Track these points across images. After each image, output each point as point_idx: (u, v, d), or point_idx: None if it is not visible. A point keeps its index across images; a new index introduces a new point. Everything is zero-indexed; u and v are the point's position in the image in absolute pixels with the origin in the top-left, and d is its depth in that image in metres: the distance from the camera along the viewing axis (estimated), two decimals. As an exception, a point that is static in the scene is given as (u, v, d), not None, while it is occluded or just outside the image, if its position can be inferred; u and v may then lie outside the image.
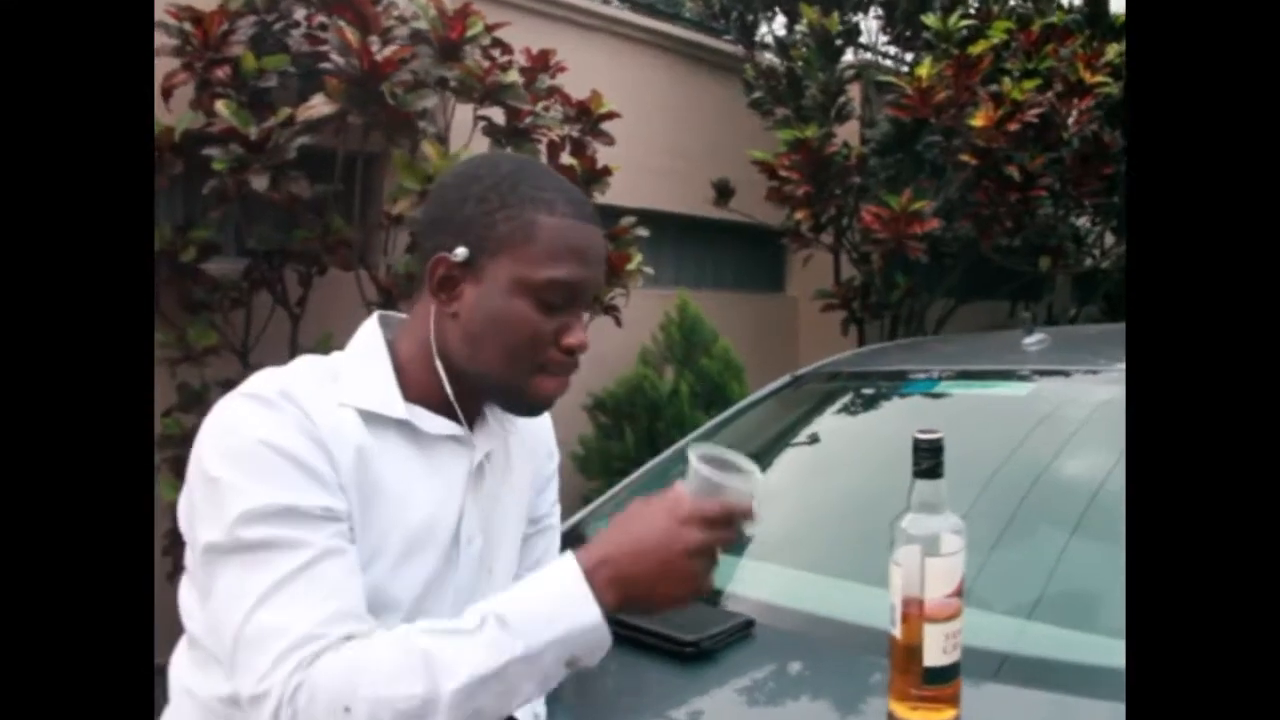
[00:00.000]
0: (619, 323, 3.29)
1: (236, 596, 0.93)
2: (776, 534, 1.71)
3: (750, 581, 1.60)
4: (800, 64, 4.44)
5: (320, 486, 0.97)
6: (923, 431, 1.01)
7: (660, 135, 5.00)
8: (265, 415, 0.98)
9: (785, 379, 2.52)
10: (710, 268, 5.76)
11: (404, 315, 1.16)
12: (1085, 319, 6.00)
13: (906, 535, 1.02)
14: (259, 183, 2.64)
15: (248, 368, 3.22)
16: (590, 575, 0.94)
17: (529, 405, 1.10)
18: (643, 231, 3.34)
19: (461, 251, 1.04)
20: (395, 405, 1.06)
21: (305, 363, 1.10)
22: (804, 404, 2.31)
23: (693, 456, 0.98)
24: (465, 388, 1.08)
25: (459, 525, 1.10)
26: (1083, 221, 5.29)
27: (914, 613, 1.00)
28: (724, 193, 5.00)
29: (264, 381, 1.03)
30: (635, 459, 4.29)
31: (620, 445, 4.32)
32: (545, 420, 1.27)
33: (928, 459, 1.00)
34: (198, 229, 3.00)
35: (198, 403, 3.10)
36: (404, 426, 1.07)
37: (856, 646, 1.30)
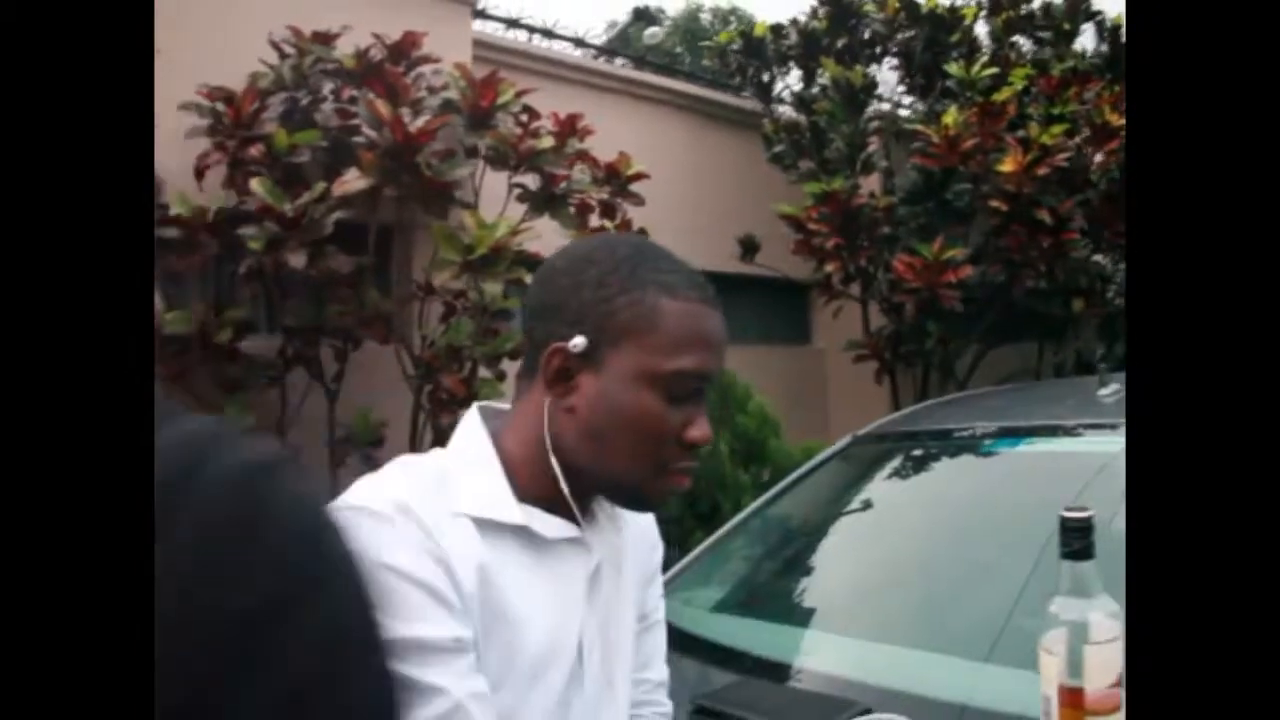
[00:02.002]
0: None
1: None
2: (874, 608, 1.62)
3: (858, 662, 1.51)
4: (824, 117, 4.43)
5: (448, 613, 0.89)
6: (1070, 510, 0.93)
7: (682, 194, 4.99)
8: (381, 534, 0.89)
9: (846, 440, 2.44)
10: (736, 322, 5.61)
11: (504, 406, 1.08)
12: (1114, 360, 5.93)
13: (1057, 620, 0.93)
14: (296, 259, 2.61)
15: (285, 447, 3.15)
16: None
17: (648, 504, 1.02)
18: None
19: (579, 341, 0.96)
20: (511, 509, 0.97)
21: (406, 467, 1.00)
22: (872, 466, 2.23)
23: None
24: (581, 486, 1.00)
25: (580, 640, 1.01)
26: (1104, 260, 5.24)
27: (1072, 704, 0.92)
28: (750, 248, 4.97)
29: (372, 492, 0.93)
30: (678, 520, 4.20)
31: (661, 507, 4.23)
32: (649, 515, 1.19)
33: (1077, 539, 0.93)
34: (232, 308, 2.97)
35: (235, 485, 3.04)
36: (521, 532, 0.98)
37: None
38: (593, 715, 1.01)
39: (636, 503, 1.02)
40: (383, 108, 2.64)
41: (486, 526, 0.95)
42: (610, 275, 0.98)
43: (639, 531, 1.15)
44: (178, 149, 2.92)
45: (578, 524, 1.01)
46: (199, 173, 2.87)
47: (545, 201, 2.93)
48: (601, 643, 1.04)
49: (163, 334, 2.94)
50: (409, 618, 0.86)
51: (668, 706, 1.22)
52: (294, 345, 3.11)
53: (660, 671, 1.22)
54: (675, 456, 0.97)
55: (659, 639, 1.20)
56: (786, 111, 5.22)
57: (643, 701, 1.19)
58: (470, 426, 1.02)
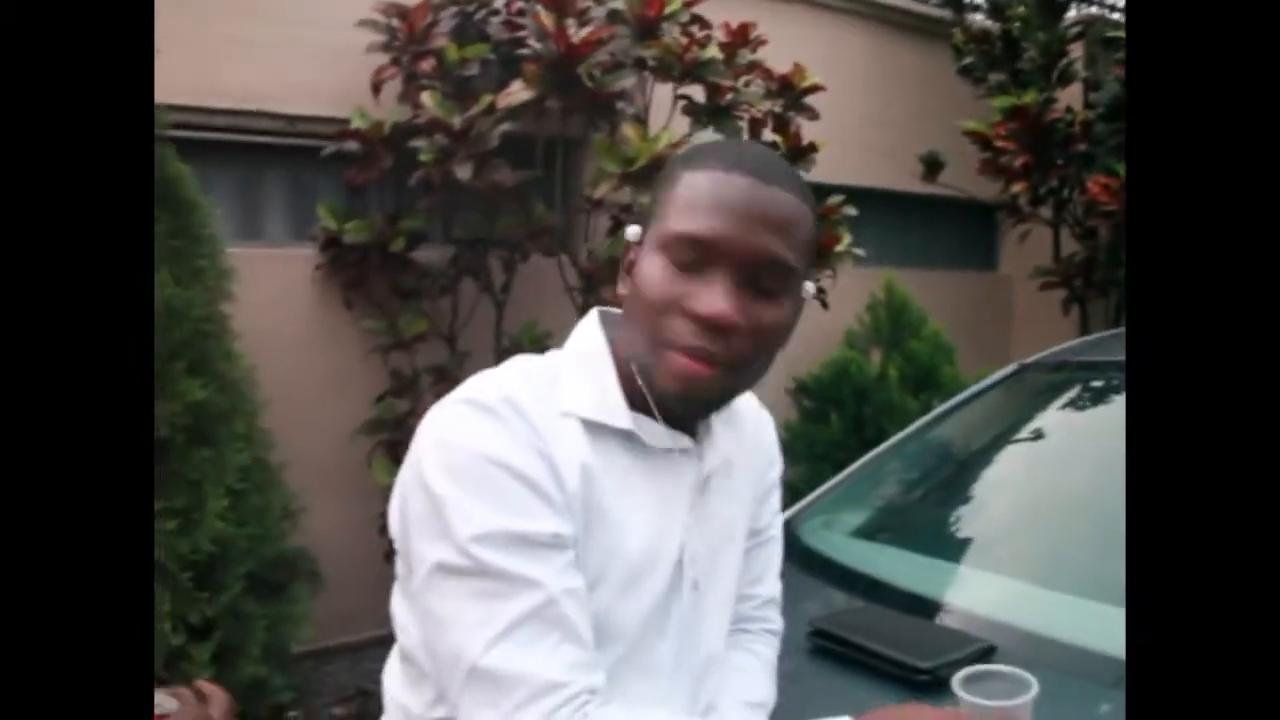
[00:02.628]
0: (825, 305, 3.14)
1: (470, 627, 0.86)
2: (1011, 542, 1.55)
3: (986, 598, 1.45)
4: (1017, 25, 4.12)
5: (550, 509, 0.89)
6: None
7: (862, 108, 4.78)
8: (490, 427, 0.89)
9: (1011, 368, 2.31)
10: (916, 245, 5.49)
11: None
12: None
13: None
14: (463, 172, 2.67)
15: (454, 354, 3.29)
16: None
17: (656, 387, 0.93)
18: (851, 210, 3.18)
19: (634, 230, 0.97)
20: (619, 414, 0.96)
21: (522, 365, 1.00)
22: (1042, 395, 2.11)
23: (959, 690, 0.88)
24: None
25: (682, 549, 1.00)
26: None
27: None
28: (933, 166, 4.73)
29: (485, 387, 0.93)
30: (841, 444, 4.13)
31: (825, 430, 4.17)
32: (768, 424, 1.16)
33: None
34: (406, 219, 3.08)
35: (409, 389, 3.20)
36: (628, 437, 0.97)
37: (1110, 680, 1.14)
38: (691, 625, 1.00)
39: (650, 387, 0.94)
40: (546, 18, 2.64)
41: (593, 428, 0.95)
42: (672, 165, 0.96)
43: (755, 445, 1.13)
44: (356, 64, 3.03)
45: (689, 433, 1.00)
46: (375, 88, 2.96)
47: (710, 114, 2.87)
48: (707, 554, 1.03)
49: (343, 242, 3.11)
50: (509, 510, 0.87)
51: (778, 624, 1.21)
52: (464, 256, 3.21)
53: (772, 587, 1.20)
54: (680, 333, 0.90)
55: (773, 554, 1.18)
56: (979, 19, 4.89)
57: (752, 617, 1.18)
58: (587, 328, 1.02)
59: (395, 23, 2.89)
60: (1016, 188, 4.25)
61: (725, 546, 1.06)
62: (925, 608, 1.54)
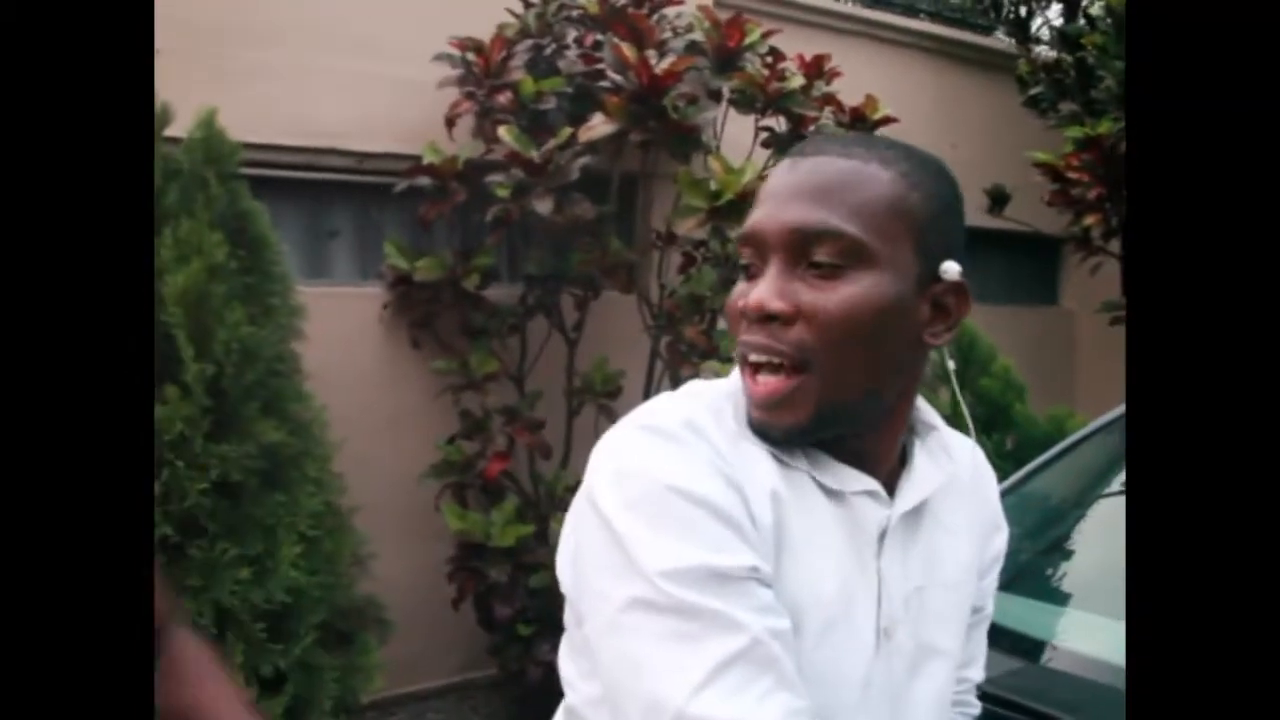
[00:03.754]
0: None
1: (668, 672, 0.75)
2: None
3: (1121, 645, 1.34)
4: (1093, 52, 4.02)
5: (741, 540, 0.79)
6: None
7: (925, 142, 4.64)
8: (670, 453, 0.80)
9: (1117, 412, 2.19)
10: (978, 279, 5.32)
11: None
12: None
13: None
14: (543, 206, 2.60)
15: (523, 395, 3.21)
16: None
17: (753, 426, 0.85)
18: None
19: None
20: (794, 453, 0.86)
21: (702, 387, 0.91)
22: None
23: None
24: None
25: (878, 598, 0.89)
26: None
27: None
28: (999, 199, 4.63)
29: (661, 411, 0.85)
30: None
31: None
32: (990, 481, 1.03)
33: None
34: (479, 256, 3.01)
35: (479, 430, 3.11)
36: (805, 478, 0.86)
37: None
38: (891, 681, 0.89)
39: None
40: (628, 51, 2.58)
41: (781, 456, 0.85)
42: None
43: (980, 505, 1.00)
44: (429, 100, 2.98)
45: (875, 471, 0.87)
46: (449, 122, 2.92)
47: (792, 145, 2.78)
48: (913, 613, 0.91)
49: (412, 280, 3.04)
50: (700, 543, 0.77)
51: (977, 709, 1.09)
52: (535, 293, 3.13)
53: (980, 672, 1.07)
54: (743, 341, 0.85)
55: (983, 636, 1.06)
56: (1044, 51, 4.80)
57: (955, 702, 1.06)
58: None
59: (471, 57, 2.84)
60: (1089, 220, 4.13)
61: (938, 595, 0.94)
62: (1052, 655, 1.43)
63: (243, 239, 2.57)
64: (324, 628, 2.50)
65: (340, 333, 3.06)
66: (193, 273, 2.36)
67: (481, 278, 3.01)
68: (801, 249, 0.82)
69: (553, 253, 3.03)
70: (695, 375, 3.08)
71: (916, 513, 0.92)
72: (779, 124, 2.86)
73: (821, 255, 0.81)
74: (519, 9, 3.07)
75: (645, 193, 3.16)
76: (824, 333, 0.81)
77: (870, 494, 0.88)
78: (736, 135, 3.06)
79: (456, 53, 2.87)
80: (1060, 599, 1.91)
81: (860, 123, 3.27)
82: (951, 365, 0.94)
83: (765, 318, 0.81)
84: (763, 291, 0.81)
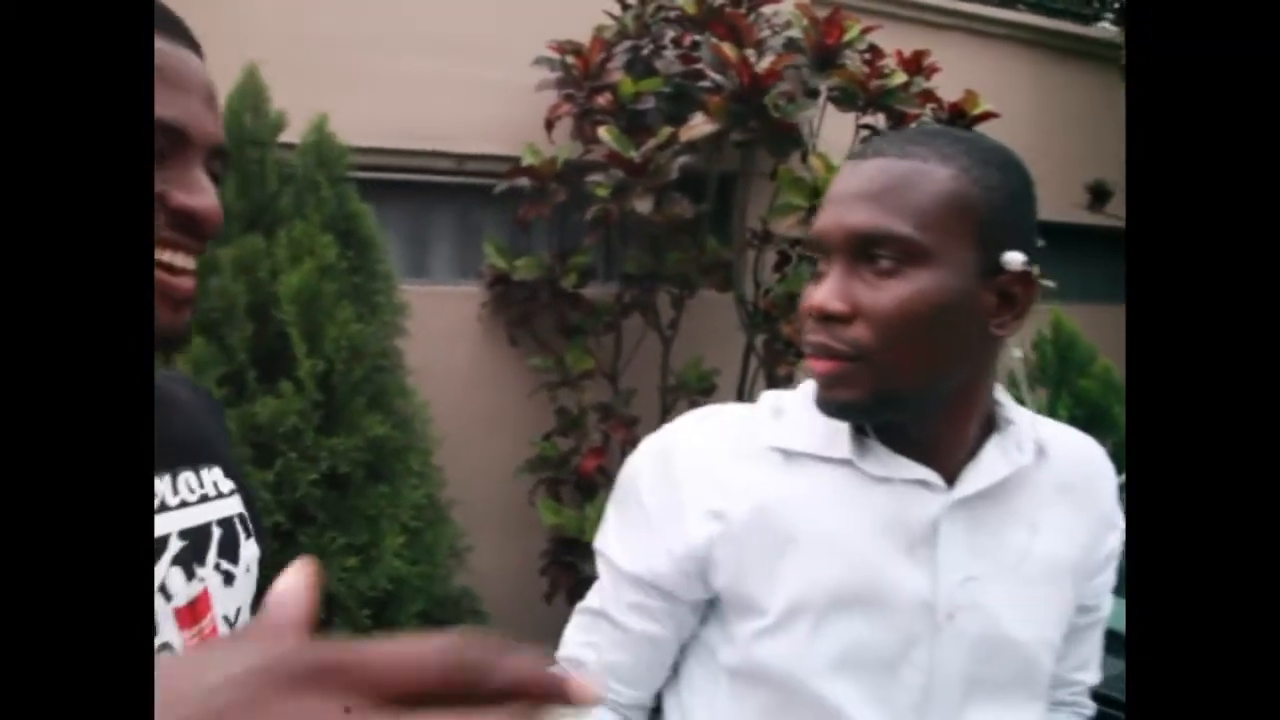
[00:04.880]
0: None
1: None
2: None
3: None
4: (1204, 44, 3.89)
5: (651, 550, 0.98)
6: None
7: (1026, 137, 4.55)
8: (646, 463, 1.00)
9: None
10: (1079, 279, 5.22)
11: None
12: None
13: None
14: (642, 205, 2.63)
15: (618, 392, 3.24)
16: None
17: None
18: (1039, 241, 3.01)
19: None
20: (834, 444, 0.92)
21: (714, 410, 1.04)
22: None
23: None
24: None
25: (933, 589, 0.91)
26: None
27: None
28: (1100, 195, 4.51)
29: (683, 421, 1.02)
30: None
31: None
32: (1107, 477, 1.02)
33: None
34: (576, 255, 3.05)
35: (575, 427, 3.16)
36: (846, 468, 0.92)
37: None
38: (948, 663, 0.91)
39: None
40: (728, 50, 2.58)
41: (799, 459, 0.94)
42: None
43: (1087, 504, 1.00)
44: (529, 102, 3.03)
45: (927, 463, 0.91)
46: (549, 124, 2.96)
47: (892, 144, 2.76)
48: (978, 600, 0.92)
49: (510, 280, 3.10)
50: (627, 546, 0.99)
51: (1090, 710, 1.08)
52: (632, 292, 3.16)
53: (1094, 675, 1.08)
54: (809, 338, 0.90)
55: (1098, 637, 1.05)
56: (1151, 41, 4.65)
57: (1065, 703, 1.06)
58: None
59: (570, 59, 2.88)
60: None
61: (1014, 586, 0.94)
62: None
63: (351, 239, 2.65)
64: (423, 617, 2.56)
65: (441, 330, 3.14)
66: (305, 273, 2.45)
67: (579, 277, 3.05)
68: (861, 250, 0.85)
69: (650, 252, 3.05)
70: (791, 373, 3.08)
71: (984, 503, 0.93)
72: (880, 122, 2.83)
73: (883, 256, 0.84)
74: (617, 11, 3.10)
75: (743, 192, 3.16)
76: (880, 330, 0.84)
77: (923, 483, 0.91)
78: (834, 133, 3.04)
79: (555, 56, 2.91)
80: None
81: (960, 118, 3.21)
82: (1017, 354, 0.97)
83: (826, 318, 0.86)
84: (824, 293, 0.86)
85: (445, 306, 3.22)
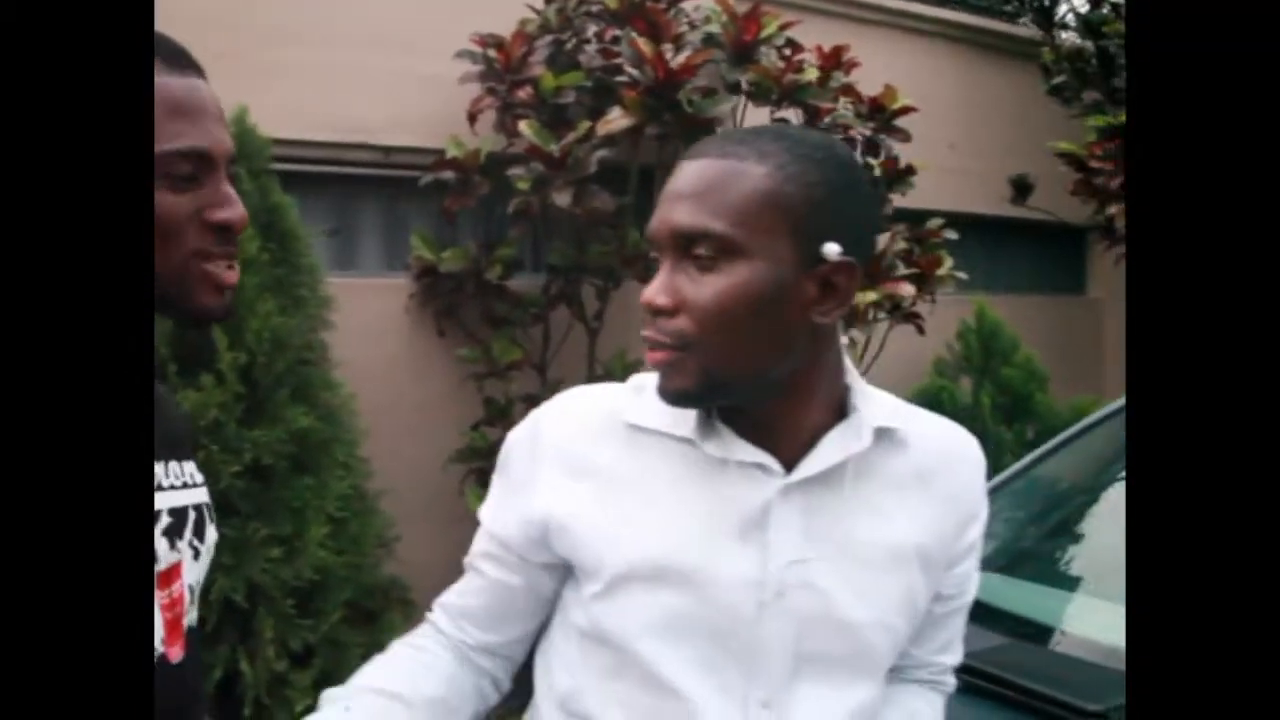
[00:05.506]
0: (922, 330, 3.08)
1: None
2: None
3: (1115, 628, 1.38)
4: (1115, 41, 4.02)
5: (508, 508, 1.06)
6: None
7: (950, 132, 4.70)
8: (519, 435, 1.08)
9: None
10: (1004, 270, 5.36)
11: None
12: None
13: None
14: (561, 199, 2.67)
15: (547, 382, 3.28)
16: None
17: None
18: (952, 234, 3.12)
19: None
20: (679, 423, 0.97)
21: (632, 378, 1.07)
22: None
23: None
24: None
25: (763, 569, 0.97)
26: None
27: None
28: (1023, 189, 4.63)
29: (559, 398, 1.09)
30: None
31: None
32: (971, 468, 1.07)
33: None
34: (502, 247, 3.09)
35: (502, 417, 3.19)
36: (687, 447, 0.98)
37: None
38: (767, 638, 0.98)
39: None
40: (645, 45, 2.64)
41: (647, 435, 0.99)
42: None
43: (945, 494, 1.04)
44: (452, 95, 3.06)
45: (767, 448, 0.97)
46: (471, 117, 2.99)
47: (807, 137, 2.83)
48: (810, 581, 0.98)
49: (438, 271, 3.12)
50: (492, 501, 1.08)
51: (951, 686, 1.15)
52: (557, 284, 3.20)
53: (955, 657, 1.13)
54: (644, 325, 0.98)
55: (960, 623, 1.11)
56: (1070, 38, 4.79)
57: (933, 681, 1.13)
58: None
59: (492, 53, 2.91)
60: (1113, 209, 4.13)
61: (852, 570, 0.99)
62: (1058, 640, 1.46)
63: (273, 232, 2.66)
64: (351, 606, 2.59)
65: (368, 322, 3.15)
66: (225, 265, 2.45)
67: (504, 268, 3.08)
68: (684, 247, 0.90)
69: (574, 244, 3.09)
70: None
71: (821, 488, 0.98)
72: (795, 116, 2.90)
73: (703, 252, 0.89)
74: (540, 4, 3.13)
75: (662, 184, 3.22)
76: (701, 321, 0.90)
77: (760, 466, 0.96)
78: (757, 123, 3.11)
79: (478, 49, 2.94)
80: (1062, 583, 1.95)
81: (879, 113, 3.30)
82: (845, 341, 1.02)
83: (655, 311, 0.91)
84: (652, 289, 0.92)
85: (373, 298, 3.24)
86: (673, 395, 0.93)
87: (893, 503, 1.01)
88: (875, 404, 1.01)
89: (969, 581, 1.10)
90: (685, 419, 0.97)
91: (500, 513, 1.05)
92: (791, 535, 0.97)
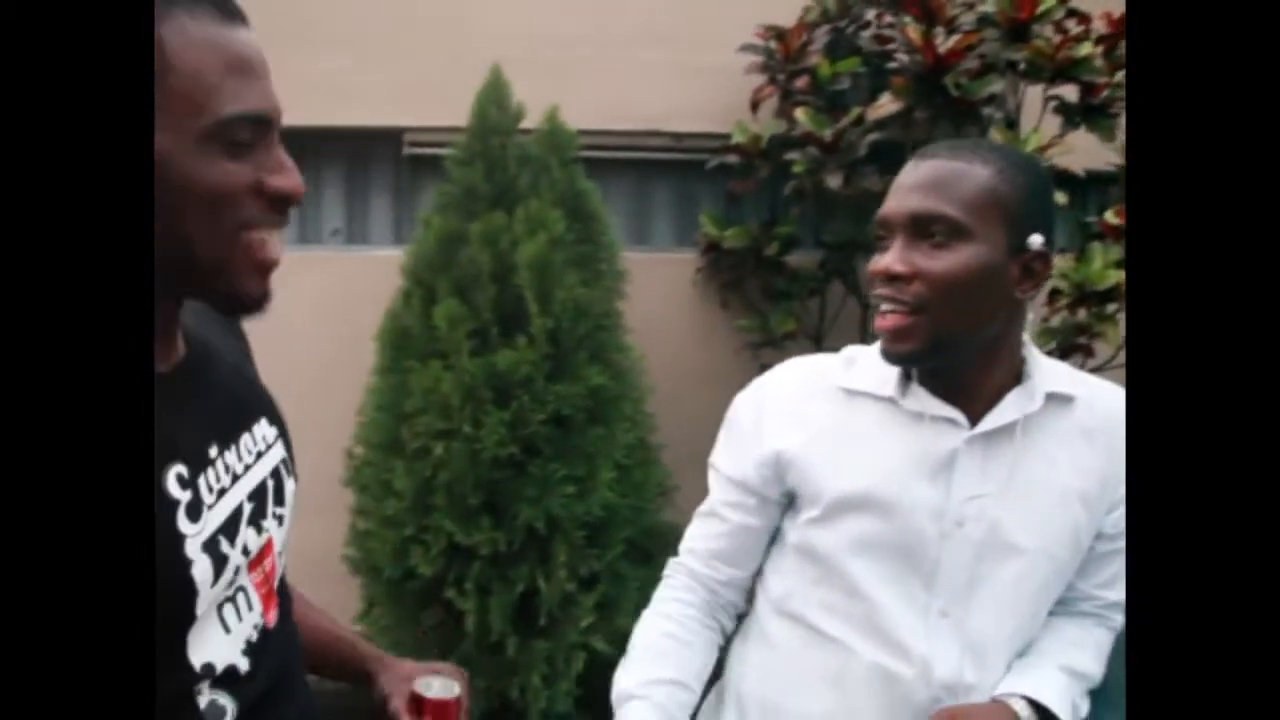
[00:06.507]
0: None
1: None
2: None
3: None
4: None
5: (743, 458, 1.32)
6: None
7: None
8: (746, 398, 1.36)
9: None
10: None
11: None
12: None
13: None
14: (833, 181, 2.84)
15: (821, 351, 3.47)
16: None
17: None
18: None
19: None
20: (884, 385, 1.21)
21: (844, 351, 1.32)
22: None
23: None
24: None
25: (946, 502, 1.18)
26: None
27: None
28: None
29: (780, 367, 1.35)
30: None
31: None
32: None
33: None
34: (780, 225, 3.31)
35: (777, 383, 3.43)
36: (890, 405, 1.21)
37: None
38: (957, 564, 1.18)
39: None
40: (913, 31, 2.74)
41: (855, 397, 1.24)
42: None
43: (1108, 450, 1.22)
44: (738, 85, 3.31)
45: (958, 405, 1.19)
46: (754, 105, 3.22)
47: (1083, 113, 2.81)
48: (985, 514, 1.18)
49: (722, 247, 3.40)
50: (725, 451, 1.36)
51: (1119, 623, 1.28)
52: (833, 259, 3.38)
53: (1117, 593, 1.30)
54: (878, 295, 1.20)
55: (1117, 562, 1.26)
56: None
57: (1097, 614, 1.28)
58: None
59: (773, 45, 3.12)
60: None
61: (1022, 505, 1.18)
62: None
63: (579, 214, 3.06)
64: (631, 543, 2.95)
65: (659, 293, 3.50)
66: (539, 244, 2.87)
67: (783, 245, 3.31)
68: (919, 228, 1.12)
69: (849, 222, 3.26)
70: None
71: (1001, 439, 1.18)
72: (1069, 93, 2.88)
73: (937, 233, 1.11)
74: (822, -7, 3.30)
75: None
76: (935, 287, 1.12)
77: (949, 420, 1.18)
78: (1031, 102, 3.10)
79: (760, 41, 3.16)
80: None
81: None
82: (1031, 317, 1.18)
83: (892, 278, 1.13)
84: (890, 258, 1.14)
85: (664, 272, 3.58)
86: (900, 356, 1.17)
87: (1060, 453, 1.20)
88: (1048, 371, 1.19)
89: (1124, 526, 1.23)
90: (888, 382, 1.21)
91: (737, 461, 1.31)
92: (972, 476, 1.18)
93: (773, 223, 3.38)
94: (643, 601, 3.01)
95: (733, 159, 3.26)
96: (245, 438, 0.95)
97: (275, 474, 0.99)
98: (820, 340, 3.51)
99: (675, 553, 3.20)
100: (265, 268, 0.82)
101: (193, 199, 0.76)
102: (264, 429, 0.98)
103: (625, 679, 1.31)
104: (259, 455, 0.96)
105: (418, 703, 1.12)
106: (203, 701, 0.87)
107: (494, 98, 3.08)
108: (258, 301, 0.83)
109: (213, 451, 0.90)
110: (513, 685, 2.75)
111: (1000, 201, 1.11)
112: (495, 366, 2.82)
